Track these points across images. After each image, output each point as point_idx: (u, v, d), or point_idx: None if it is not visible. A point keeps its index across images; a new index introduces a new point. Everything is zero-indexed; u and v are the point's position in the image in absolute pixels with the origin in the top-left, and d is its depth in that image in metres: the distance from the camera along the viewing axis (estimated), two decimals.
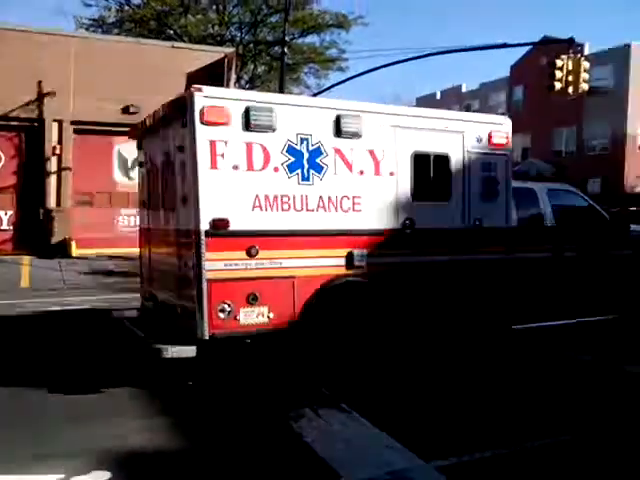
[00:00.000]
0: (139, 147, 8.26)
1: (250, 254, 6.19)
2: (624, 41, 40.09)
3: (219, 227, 6.03)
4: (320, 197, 6.64)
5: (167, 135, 6.91)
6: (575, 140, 42.76)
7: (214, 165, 6.05)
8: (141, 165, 8.31)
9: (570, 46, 18.07)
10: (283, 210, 6.43)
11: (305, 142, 6.57)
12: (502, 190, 8.03)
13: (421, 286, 7.40)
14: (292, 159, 6.49)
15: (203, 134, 5.99)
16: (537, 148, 44.81)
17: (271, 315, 6.28)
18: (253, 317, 6.21)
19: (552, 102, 30.63)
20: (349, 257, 6.80)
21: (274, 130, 6.37)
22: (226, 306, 6.06)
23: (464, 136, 7.73)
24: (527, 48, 40.17)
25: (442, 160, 7.57)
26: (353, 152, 6.87)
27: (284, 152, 6.45)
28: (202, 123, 5.97)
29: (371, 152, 7.00)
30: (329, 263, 6.69)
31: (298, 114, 6.59)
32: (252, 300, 6.17)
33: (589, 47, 37.08)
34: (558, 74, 17.22)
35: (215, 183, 6.04)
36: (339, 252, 6.76)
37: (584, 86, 17.68)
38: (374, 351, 6.96)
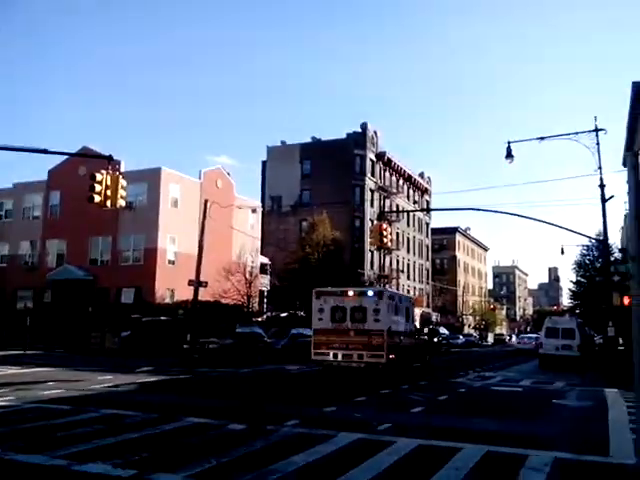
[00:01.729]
0: (317, 297, 22.54)
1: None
2: (157, 163, 44.10)
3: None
4: None
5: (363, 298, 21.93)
6: (110, 250, 43.87)
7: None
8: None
9: (109, 162, 18.74)
10: None
11: None
12: None
13: None
14: None
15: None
16: (73, 254, 44.33)
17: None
18: None
19: (90, 211, 30.91)
20: None
21: None
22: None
23: None
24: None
25: None
26: None
27: None
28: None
29: None
30: None
31: None
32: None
33: (125, 165, 39.23)
34: (98, 187, 17.48)
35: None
36: None
37: (121, 202, 18.35)
38: None
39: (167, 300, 41.70)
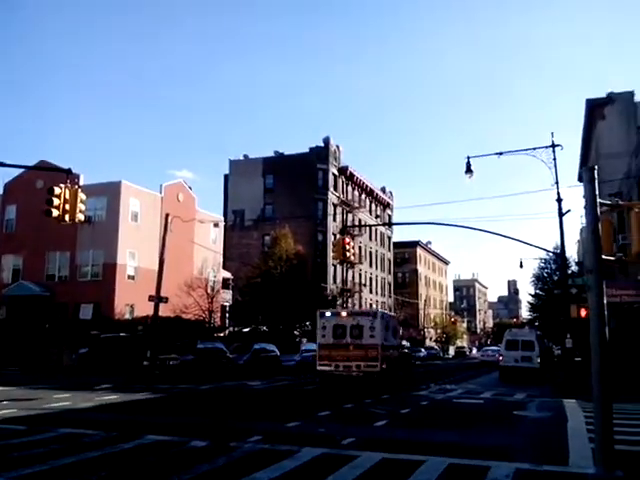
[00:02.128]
0: (321, 317, 25.75)
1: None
2: (117, 177, 43.51)
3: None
4: None
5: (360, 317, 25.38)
6: (69, 265, 42.97)
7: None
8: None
9: (68, 176, 18.40)
10: None
11: None
12: None
13: None
14: None
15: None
16: (30, 270, 43.30)
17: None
18: None
19: (47, 225, 30.36)
20: None
21: None
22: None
23: None
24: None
25: None
26: None
27: None
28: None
29: None
30: None
31: None
32: None
33: (84, 178, 38.56)
34: (56, 201, 17.14)
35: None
36: None
37: (80, 216, 18.02)
38: None
39: (127, 316, 41.00)
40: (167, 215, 34.07)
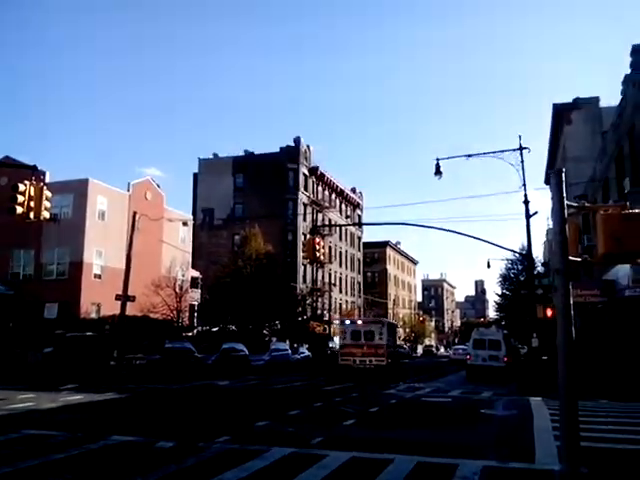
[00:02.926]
0: (341, 324, 37.11)
1: None
2: (83, 175, 42.83)
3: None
4: None
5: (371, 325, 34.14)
6: (34, 263, 42.16)
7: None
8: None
9: (33, 172, 18.05)
10: None
11: None
12: None
13: None
14: None
15: None
16: None
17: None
18: None
19: (11, 223, 29.69)
20: None
21: None
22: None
23: None
24: None
25: None
26: None
27: None
28: None
29: None
30: None
31: None
32: None
33: (50, 175, 37.91)
34: (20, 198, 16.79)
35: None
36: None
37: (45, 214, 17.69)
38: None
39: (93, 315, 40.39)
40: (135, 213, 33.68)
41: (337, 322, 66.76)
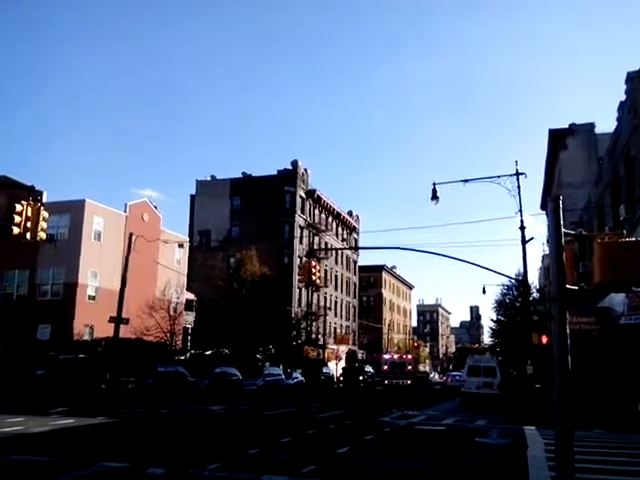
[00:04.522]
0: (383, 357, 61.08)
1: None
2: (80, 196, 42.83)
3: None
4: None
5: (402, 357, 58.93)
6: (28, 284, 41.95)
7: None
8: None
9: (30, 193, 18.06)
10: None
11: None
12: None
13: None
14: None
15: None
16: None
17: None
18: None
19: (6, 242, 29.65)
20: None
21: None
22: None
23: None
24: None
25: None
26: None
27: None
28: None
29: None
30: None
31: None
32: None
33: (47, 195, 37.87)
34: (17, 218, 16.78)
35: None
36: None
37: (42, 234, 17.67)
38: None
39: (86, 337, 40.10)
40: (131, 235, 33.63)
41: (332, 347, 66.82)
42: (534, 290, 50.51)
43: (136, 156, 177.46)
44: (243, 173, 76.19)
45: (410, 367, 55.48)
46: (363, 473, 10.55)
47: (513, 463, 12.33)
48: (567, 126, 41.24)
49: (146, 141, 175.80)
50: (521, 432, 18.14)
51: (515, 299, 55.81)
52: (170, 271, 46.35)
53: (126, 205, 46.06)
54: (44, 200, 27.76)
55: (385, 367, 55.10)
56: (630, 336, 24.12)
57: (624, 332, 24.32)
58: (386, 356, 59.12)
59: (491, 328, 68.39)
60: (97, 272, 42.03)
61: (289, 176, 72.40)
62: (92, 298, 41.62)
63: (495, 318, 63.44)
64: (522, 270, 29.33)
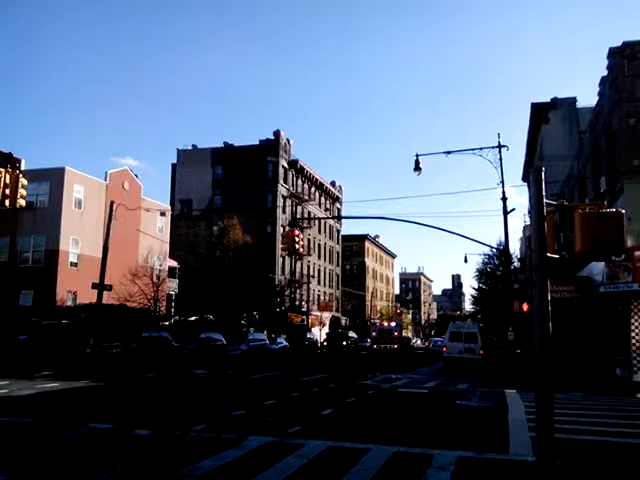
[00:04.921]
0: (371, 325, 72.56)
1: None
2: (59, 164, 42.24)
3: None
4: None
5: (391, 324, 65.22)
6: (8, 251, 41.57)
7: None
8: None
9: (9, 160, 17.76)
10: None
11: None
12: None
13: None
14: None
15: None
16: None
17: None
18: None
19: None
20: None
21: None
22: None
23: None
24: None
25: None
26: None
27: None
28: None
29: None
30: None
31: None
32: None
33: (25, 163, 37.23)
34: None
35: None
36: None
37: (21, 201, 17.44)
38: None
39: (69, 303, 40.01)
40: (112, 203, 33.37)
41: (316, 313, 67.43)
42: (515, 260, 51.06)
43: (116, 124, 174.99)
44: (225, 143, 75.53)
45: (397, 333, 60.77)
46: (346, 434, 10.75)
47: (494, 425, 12.62)
48: (549, 100, 41.31)
49: (126, 108, 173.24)
50: (502, 395, 18.52)
51: (496, 268, 56.45)
52: (152, 239, 46.15)
53: (107, 173, 45.56)
54: (22, 168, 27.34)
55: (374, 333, 61.14)
56: (608, 304, 24.59)
57: (603, 300, 24.79)
58: (377, 323, 67.52)
59: (472, 296, 69.32)
60: (79, 239, 41.72)
61: (271, 146, 71.90)
62: (74, 265, 41.39)
63: (476, 286, 64.26)
64: (503, 240, 29.63)
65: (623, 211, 6.94)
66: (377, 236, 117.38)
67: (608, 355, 24.91)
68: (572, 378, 21.93)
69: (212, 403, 15.28)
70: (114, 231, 32.47)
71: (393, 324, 65.09)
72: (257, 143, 72.60)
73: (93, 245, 39.29)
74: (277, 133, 72.74)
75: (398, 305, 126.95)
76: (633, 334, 21.36)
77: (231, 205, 65.10)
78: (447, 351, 33.49)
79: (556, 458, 7.33)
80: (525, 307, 26.22)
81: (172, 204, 66.17)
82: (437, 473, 7.95)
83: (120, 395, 16.91)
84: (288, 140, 74.71)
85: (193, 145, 76.46)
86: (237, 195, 68.12)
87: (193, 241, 64.86)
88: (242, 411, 13.24)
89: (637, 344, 21.30)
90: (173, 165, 76.75)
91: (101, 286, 30.83)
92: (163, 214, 51.11)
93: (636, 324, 21.41)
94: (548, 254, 7.13)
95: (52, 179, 40.73)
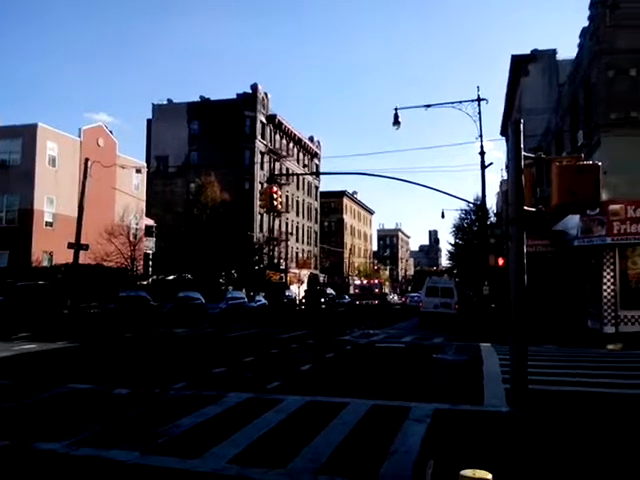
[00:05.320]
0: (354, 283, 75.00)
1: None
2: (32, 119, 41.16)
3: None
4: None
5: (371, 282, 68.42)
6: None
7: None
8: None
9: None
10: None
11: None
12: None
13: None
14: None
15: None
16: None
17: None
18: None
19: None
20: None
21: None
22: None
23: None
24: None
25: None
26: None
27: None
28: None
29: None
30: None
31: None
32: None
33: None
34: None
35: None
36: None
37: None
38: None
39: (45, 263, 39.56)
40: (86, 160, 32.76)
41: (294, 271, 67.70)
42: (492, 214, 51.47)
43: (88, 80, 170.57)
44: (201, 97, 74.11)
45: (377, 290, 64.00)
46: (325, 389, 10.91)
47: (469, 377, 12.89)
48: (530, 52, 41.02)
49: (98, 63, 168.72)
50: (477, 349, 18.90)
51: (473, 223, 56.94)
52: (128, 197, 45.56)
53: (80, 130, 44.54)
54: None
55: (357, 290, 64.62)
56: (582, 258, 25.00)
57: (577, 254, 25.19)
58: (357, 282, 71.32)
59: (449, 252, 70.14)
60: (53, 198, 41.02)
61: (249, 100, 70.70)
62: (50, 225, 40.81)
63: (453, 242, 64.91)
64: (480, 195, 29.78)
65: (600, 164, 6.96)
66: (355, 192, 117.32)
67: (581, 308, 25.45)
68: (546, 331, 22.42)
69: (192, 361, 15.38)
70: (89, 189, 31.98)
71: (375, 281, 70.26)
72: (234, 97, 71.36)
73: (68, 204, 38.69)
74: (254, 87, 71.49)
75: (376, 262, 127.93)
76: (605, 287, 21.80)
77: (208, 162, 64.31)
78: (423, 306, 33.97)
79: (529, 408, 7.52)
80: (501, 261, 26.55)
81: (148, 161, 65.13)
82: (414, 425, 8.14)
83: (99, 355, 16.92)
84: (266, 94, 73.54)
85: (168, 99, 74.92)
86: (214, 151, 67.27)
87: (170, 199, 64.18)
88: (222, 368, 13.35)
89: (608, 297, 21.78)
90: (148, 121, 75.27)
91: (77, 246, 30.52)
92: (139, 171, 50.36)
93: (608, 277, 21.85)
94: (525, 207, 7.16)
95: (24, 136, 39.74)
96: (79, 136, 43.96)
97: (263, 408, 8.95)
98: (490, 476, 3.14)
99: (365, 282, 68.23)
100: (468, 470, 3.20)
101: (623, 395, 10.46)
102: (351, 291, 67.63)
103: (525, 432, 6.32)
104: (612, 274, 21.82)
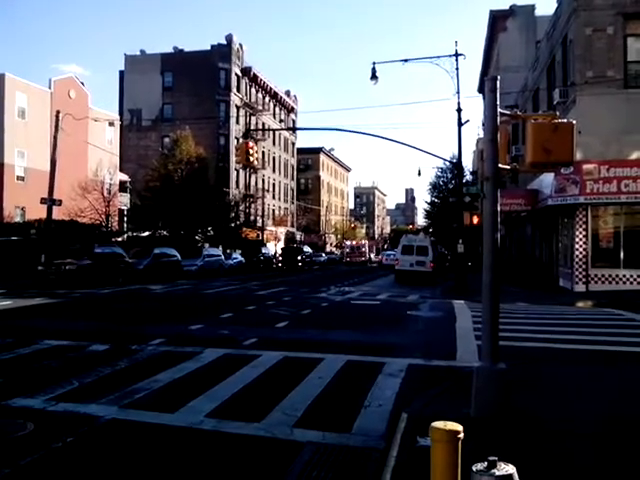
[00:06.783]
0: (345, 244, 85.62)
1: None
2: None
3: None
4: None
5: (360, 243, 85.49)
6: None
7: None
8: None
9: None
10: None
11: None
12: None
13: None
14: None
15: None
16: None
17: None
18: None
19: None
20: None
21: None
22: None
23: None
24: None
25: None
26: None
27: None
28: None
29: None
30: None
31: None
32: None
33: None
34: None
35: None
36: None
37: None
38: None
39: (17, 219, 38.96)
40: (58, 112, 31.97)
41: (271, 228, 67.84)
42: (467, 172, 51.72)
43: (56, 29, 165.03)
44: (174, 48, 72.34)
45: (364, 249, 78.31)
46: (301, 345, 11.07)
47: (442, 333, 13.16)
48: (508, 8, 40.67)
49: (68, 11, 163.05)
50: (450, 306, 19.23)
51: (449, 181, 57.24)
52: (101, 151, 44.75)
53: (50, 81, 43.34)
54: None
55: (347, 250, 78.11)
56: (555, 216, 25.37)
57: (550, 212, 25.54)
58: (348, 243, 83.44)
59: (425, 210, 70.55)
60: (24, 152, 40.16)
61: (223, 52, 69.21)
62: (21, 179, 40.06)
63: (429, 200, 65.28)
64: (457, 153, 29.84)
65: (575, 122, 7.00)
66: (332, 149, 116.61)
67: (553, 266, 25.93)
68: (518, 289, 22.85)
69: (168, 318, 15.43)
70: (61, 143, 31.28)
71: (362, 242, 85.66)
72: (208, 48, 69.80)
73: (40, 158, 37.89)
74: (229, 37, 69.88)
75: (352, 219, 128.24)
76: (577, 246, 22.22)
77: (182, 115, 63.19)
78: (399, 264, 34.30)
79: (500, 363, 7.73)
80: (475, 220, 26.82)
81: (121, 114, 63.74)
82: (388, 379, 8.33)
83: (75, 312, 16.89)
84: (241, 45, 72.05)
85: (141, 50, 72.98)
86: (188, 105, 66.06)
87: (144, 154, 63.17)
88: (199, 325, 13.43)
89: (580, 256, 22.21)
90: (121, 72, 73.40)
91: (50, 201, 30.03)
92: (112, 124, 49.42)
93: (580, 236, 22.24)
94: (500, 165, 7.20)
95: None
96: (49, 87, 42.82)
97: (240, 364, 9.07)
98: (461, 427, 3.25)
99: (354, 243, 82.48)
100: (439, 422, 3.30)
101: (581, 350, 10.80)
102: (345, 251, 79.94)
103: (495, 386, 6.49)
104: (584, 233, 22.22)
